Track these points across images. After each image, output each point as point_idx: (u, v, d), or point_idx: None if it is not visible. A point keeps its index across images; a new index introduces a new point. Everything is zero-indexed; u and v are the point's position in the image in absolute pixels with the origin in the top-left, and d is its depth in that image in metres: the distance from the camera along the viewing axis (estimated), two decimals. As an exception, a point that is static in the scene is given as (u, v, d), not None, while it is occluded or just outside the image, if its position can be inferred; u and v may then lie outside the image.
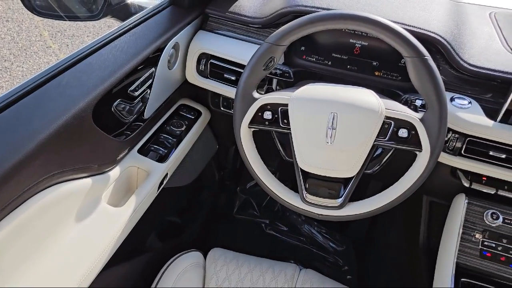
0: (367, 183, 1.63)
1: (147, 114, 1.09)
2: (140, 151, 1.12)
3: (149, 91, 1.06)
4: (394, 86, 1.09)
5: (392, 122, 0.86)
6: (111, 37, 0.98)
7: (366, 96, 0.86)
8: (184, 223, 1.56)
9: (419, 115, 0.86)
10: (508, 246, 0.99)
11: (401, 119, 0.85)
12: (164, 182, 1.15)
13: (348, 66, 1.13)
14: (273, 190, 0.96)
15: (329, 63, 1.13)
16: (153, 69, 1.05)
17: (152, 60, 1.04)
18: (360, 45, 1.09)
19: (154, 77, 1.06)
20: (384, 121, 0.85)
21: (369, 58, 1.10)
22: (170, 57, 1.13)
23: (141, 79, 1.01)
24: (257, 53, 0.89)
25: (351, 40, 1.09)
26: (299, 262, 1.66)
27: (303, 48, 1.14)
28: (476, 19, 1.13)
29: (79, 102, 0.81)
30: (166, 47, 1.08)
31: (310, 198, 0.92)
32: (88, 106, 0.83)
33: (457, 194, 1.09)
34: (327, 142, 0.84)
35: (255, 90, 0.92)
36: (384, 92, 1.05)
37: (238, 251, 1.21)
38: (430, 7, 1.10)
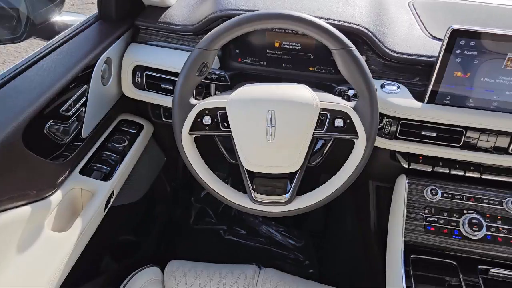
0: (318, 175, 1.66)
1: (85, 133, 1.06)
2: (82, 172, 1.08)
3: (84, 109, 1.03)
4: (328, 79, 1.13)
5: (328, 114, 0.88)
6: (37, 57, 0.95)
7: (300, 91, 0.89)
8: (139, 240, 1.53)
9: (352, 104, 0.89)
10: (449, 218, 1.05)
11: (335, 109, 0.88)
12: (111, 201, 1.12)
13: (283, 65, 1.15)
14: (221, 194, 0.96)
15: (265, 63, 1.15)
16: (86, 86, 1.03)
17: (83, 78, 1.01)
18: (293, 44, 1.12)
19: (87, 95, 1.04)
20: (320, 113, 0.88)
21: (302, 56, 1.13)
22: (103, 72, 1.10)
23: (74, 98, 0.98)
24: (189, 60, 0.89)
25: (283, 39, 1.12)
26: (261, 263, 1.67)
27: (237, 51, 1.16)
28: (396, 9, 1.19)
29: (5, 129, 0.78)
30: (97, 63, 1.05)
31: (258, 197, 0.93)
32: (16, 131, 0.79)
33: (399, 175, 1.14)
34: (268, 140, 0.86)
35: (192, 97, 0.92)
36: (319, 86, 1.08)
37: (198, 261, 1.19)
38: (352, 0, 1.15)
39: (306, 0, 1.11)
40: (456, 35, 0.91)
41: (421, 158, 1.12)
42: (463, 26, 0.91)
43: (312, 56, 1.13)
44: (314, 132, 0.88)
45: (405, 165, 1.12)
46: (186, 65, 0.89)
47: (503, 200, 1.06)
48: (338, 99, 0.91)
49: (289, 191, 0.93)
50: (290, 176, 0.93)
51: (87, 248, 1.02)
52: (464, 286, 0.99)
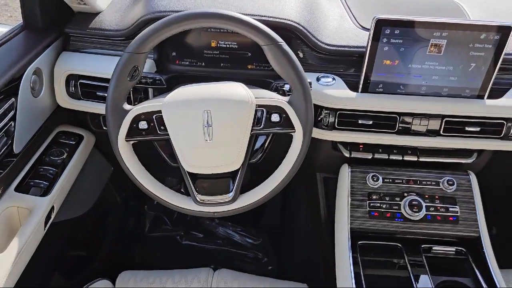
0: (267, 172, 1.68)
1: (17, 148, 1.01)
2: (18, 189, 1.04)
3: (13, 123, 0.99)
4: (267, 75, 1.13)
5: (264, 110, 0.89)
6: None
7: (235, 89, 0.89)
8: (90, 254, 1.48)
9: (287, 98, 0.90)
10: (391, 202, 1.09)
11: (271, 105, 0.89)
12: (52, 216, 1.07)
13: (222, 64, 1.15)
14: (164, 198, 0.94)
15: (203, 64, 1.15)
16: (13, 99, 0.98)
17: (9, 91, 0.97)
18: (230, 43, 1.12)
19: (16, 108, 0.99)
20: (256, 109, 0.89)
21: (239, 54, 1.13)
22: (33, 84, 1.06)
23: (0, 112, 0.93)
24: (118, 65, 0.87)
25: (219, 39, 1.12)
26: (219, 265, 1.66)
27: (174, 53, 1.14)
28: (327, 2, 1.22)
29: None
30: (25, 74, 1.01)
31: (202, 198, 0.93)
32: None
33: (342, 165, 1.17)
34: (206, 140, 0.85)
35: (126, 102, 0.90)
36: (259, 83, 1.08)
37: (155, 269, 1.17)
38: None
39: (236, -2, 1.11)
40: (381, 24, 0.95)
41: (362, 146, 1.15)
42: (387, 15, 0.94)
43: (249, 54, 1.13)
44: (252, 129, 0.89)
45: (347, 155, 1.15)
46: (116, 70, 0.87)
47: (440, 180, 1.11)
48: (274, 95, 0.92)
49: (232, 190, 0.93)
50: (233, 174, 0.93)
51: (30, 267, 0.97)
52: (409, 266, 1.02)
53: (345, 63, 1.10)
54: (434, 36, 0.95)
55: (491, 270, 1.00)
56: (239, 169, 0.92)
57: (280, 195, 1.90)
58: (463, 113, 1.03)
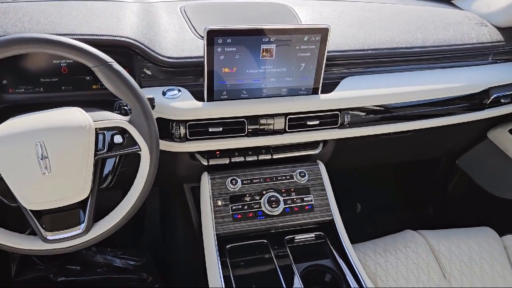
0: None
1: None
2: None
3: None
4: (111, 95, 1.10)
5: (105, 132, 0.87)
6: None
7: (70, 115, 0.85)
8: None
9: (127, 117, 0.89)
10: (251, 202, 1.14)
11: (111, 126, 0.87)
12: None
13: (63, 87, 1.08)
14: (7, 244, 0.86)
15: (41, 89, 1.07)
16: None
17: None
18: (66, 64, 1.06)
19: None
20: (97, 133, 0.85)
21: (81, 74, 1.08)
22: None
23: None
24: None
25: (54, 61, 1.05)
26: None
27: (5, 81, 1.05)
28: (167, 15, 1.22)
29: None
30: None
31: (52, 235, 0.87)
32: None
33: (202, 172, 1.19)
34: (44, 173, 0.80)
35: None
36: (106, 103, 1.05)
37: None
38: (118, 13, 1.13)
39: (65, 18, 1.05)
40: (212, 34, 0.97)
41: (218, 153, 1.18)
42: (217, 26, 0.98)
43: (93, 75, 1.08)
44: (95, 154, 0.85)
45: (205, 163, 1.17)
46: None
47: (293, 173, 1.19)
48: (114, 116, 0.89)
49: (84, 220, 0.88)
50: (82, 204, 0.88)
51: None
52: (275, 259, 1.08)
53: (191, 74, 1.12)
54: (263, 42, 1.01)
55: (345, 248, 1.11)
56: (88, 197, 0.88)
57: (157, 209, 1.87)
58: (302, 109, 1.11)
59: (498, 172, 1.56)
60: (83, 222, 0.88)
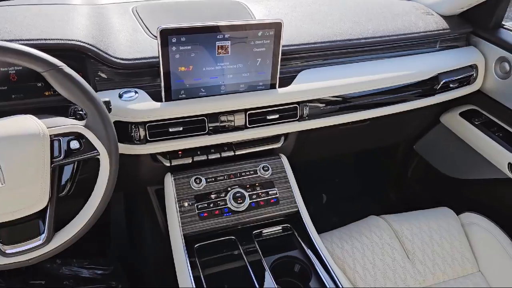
0: None
1: None
2: None
3: None
4: (65, 100, 1.06)
5: (61, 138, 0.85)
6: None
7: (22, 123, 0.82)
8: None
9: (83, 122, 0.87)
10: (216, 200, 1.14)
11: (66, 132, 0.85)
12: None
13: (13, 96, 1.04)
14: None
15: None
16: None
17: None
18: (14, 71, 1.02)
19: None
20: (52, 140, 0.83)
21: (32, 80, 1.04)
22: None
23: None
24: None
25: (2, 69, 1.01)
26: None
27: None
28: (119, 16, 1.20)
29: None
30: None
31: (10, 249, 0.84)
32: None
33: (165, 174, 1.18)
34: None
35: None
36: (59, 109, 1.02)
37: None
38: (67, 17, 1.10)
39: (10, 23, 1.01)
40: (166, 34, 0.97)
41: (180, 152, 1.17)
42: (169, 25, 0.97)
43: (44, 82, 1.04)
44: (52, 162, 0.83)
45: (167, 164, 1.16)
46: None
47: (257, 168, 1.20)
48: (69, 121, 0.87)
49: (44, 230, 0.86)
50: (41, 214, 0.86)
51: None
52: (244, 255, 1.08)
53: (148, 75, 1.10)
54: (218, 39, 1.01)
55: (312, 238, 1.13)
56: (47, 207, 0.85)
57: (123, 214, 1.84)
58: (261, 104, 1.12)
59: (452, 154, 1.64)
60: (43, 233, 0.86)
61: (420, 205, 1.43)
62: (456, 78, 1.37)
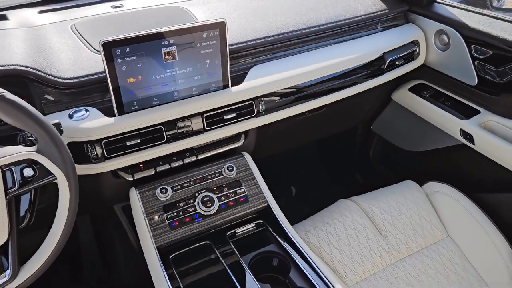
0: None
1: None
2: None
3: None
4: (12, 128, 1.02)
5: (13, 168, 0.81)
6: None
7: None
8: None
9: (34, 147, 0.83)
10: (185, 207, 1.12)
11: (17, 160, 0.81)
12: None
13: None
14: None
15: None
16: None
17: None
18: None
19: None
20: (3, 171, 0.79)
21: None
22: None
23: None
24: None
25: None
26: None
27: None
28: (58, 35, 1.16)
29: None
30: None
31: None
32: None
33: (129, 189, 1.15)
34: None
35: None
36: (6, 138, 0.97)
37: None
38: (4, 42, 1.05)
39: None
40: (109, 46, 0.94)
41: (142, 165, 1.15)
42: (111, 37, 0.95)
43: None
44: (7, 193, 0.79)
45: (130, 178, 1.13)
46: None
47: (222, 170, 1.20)
48: (18, 149, 0.83)
49: (8, 266, 0.82)
50: (3, 250, 0.82)
51: None
52: (221, 257, 1.08)
53: (96, 91, 1.07)
54: (163, 45, 1.00)
55: (286, 230, 1.14)
56: (8, 241, 0.81)
57: (91, 237, 1.78)
58: (216, 105, 1.12)
59: (407, 129, 1.69)
60: (7, 269, 0.82)
61: (386, 182, 1.47)
62: (401, 55, 1.42)
